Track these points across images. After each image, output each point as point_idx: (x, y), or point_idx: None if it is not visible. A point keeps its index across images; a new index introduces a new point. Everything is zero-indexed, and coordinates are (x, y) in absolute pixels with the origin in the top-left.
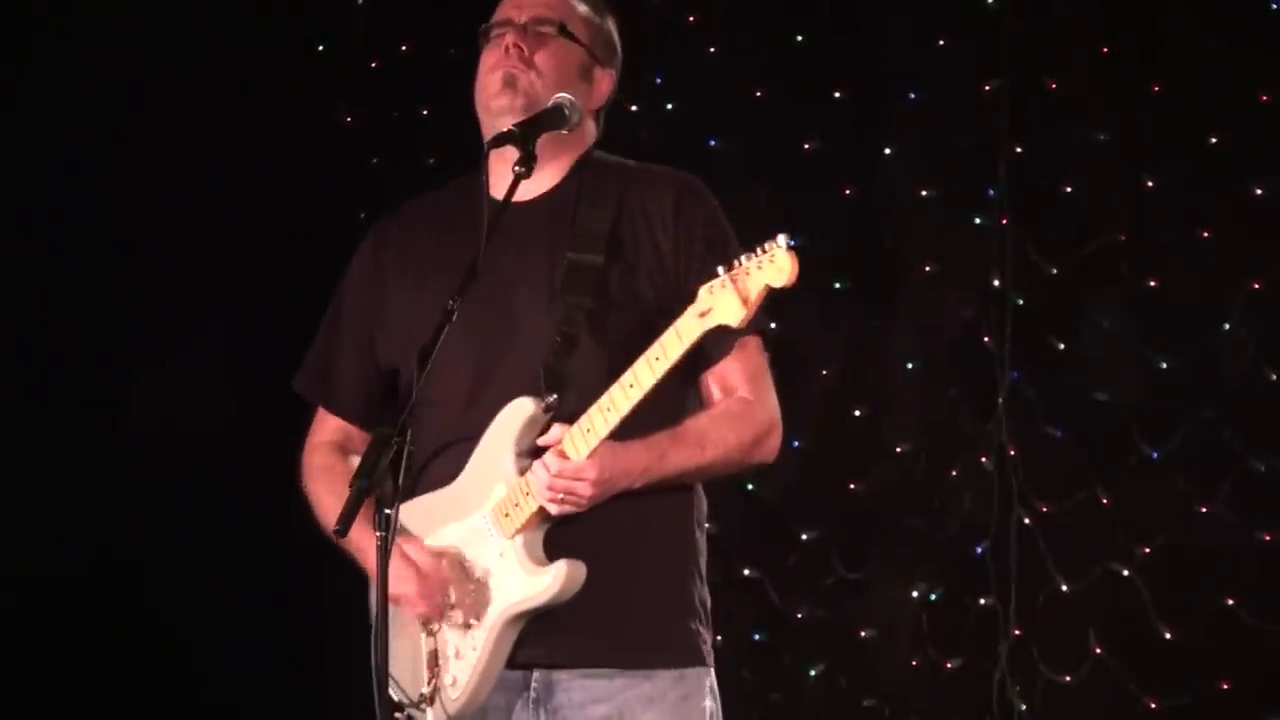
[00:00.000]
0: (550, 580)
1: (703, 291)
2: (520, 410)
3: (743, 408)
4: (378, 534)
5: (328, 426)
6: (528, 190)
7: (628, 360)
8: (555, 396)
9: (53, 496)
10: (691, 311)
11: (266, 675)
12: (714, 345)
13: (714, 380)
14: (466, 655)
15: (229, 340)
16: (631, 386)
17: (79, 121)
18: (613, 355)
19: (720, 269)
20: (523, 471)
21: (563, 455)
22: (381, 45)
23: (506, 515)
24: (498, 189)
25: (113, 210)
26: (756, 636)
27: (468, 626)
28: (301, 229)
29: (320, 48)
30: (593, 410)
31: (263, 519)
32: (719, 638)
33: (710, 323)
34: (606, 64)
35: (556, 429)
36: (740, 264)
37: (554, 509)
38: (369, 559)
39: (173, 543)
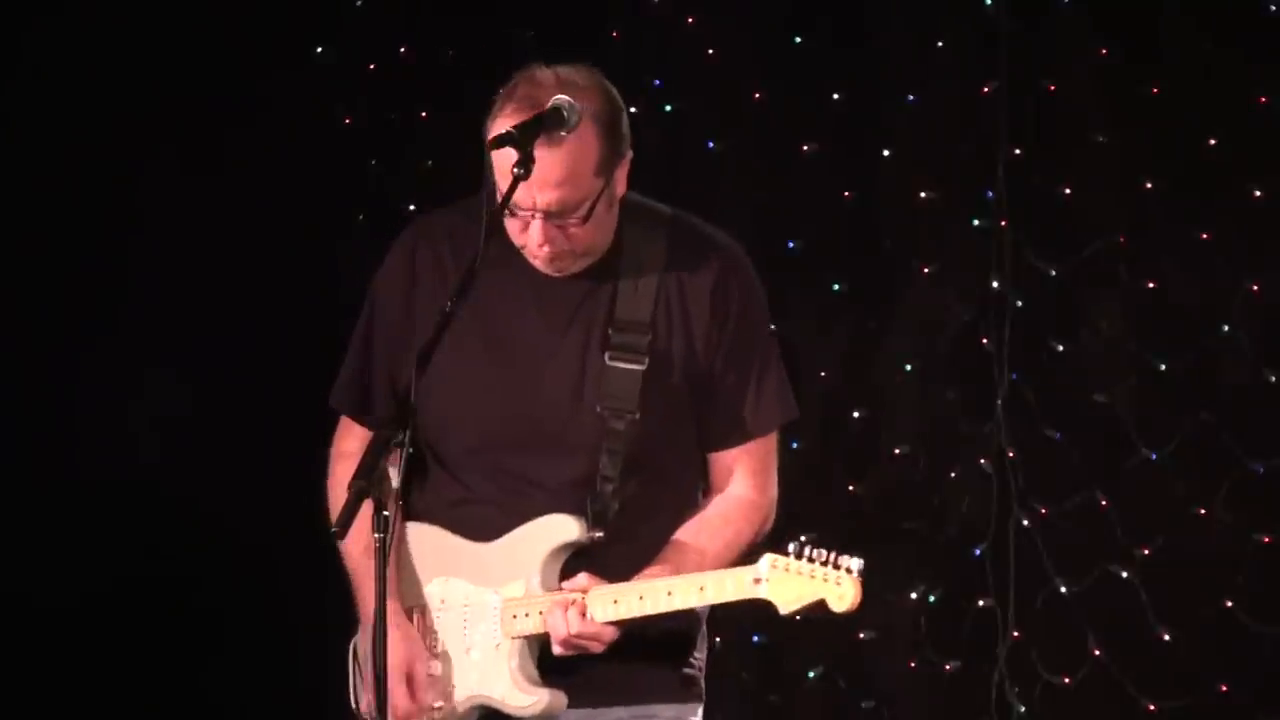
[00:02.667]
0: (531, 703)
1: (765, 561)
2: (565, 529)
3: (744, 514)
4: (375, 535)
5: (354, 434)
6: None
7: (667, 474)
8: (600, 535)
9: (49, 499)
10: (748, 574)
11: (267, 679)
12: (729, 430)
13: (721, 464)
14: (432, 710)
15: (229, 340)
16: (670, 595)
17: (77, 122)
18: (654, 471)
19: (791, 548)
20: (546, 588)
21: (583, 615)
22: (380, 48)
23: (514, 616)
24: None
25: (112, 211)
26: (756, 638)
27: (442, 685)
28: (300, 230)
29: (319, 50)
30: (628, 590)
31: (265, 517)
32: (717, 639)
33: (760, 594)
34: (623, 154)
35: (583, 578)
36: (811, 560)
37: (558, 650)
38: (364, 602)
39: (175, 543)
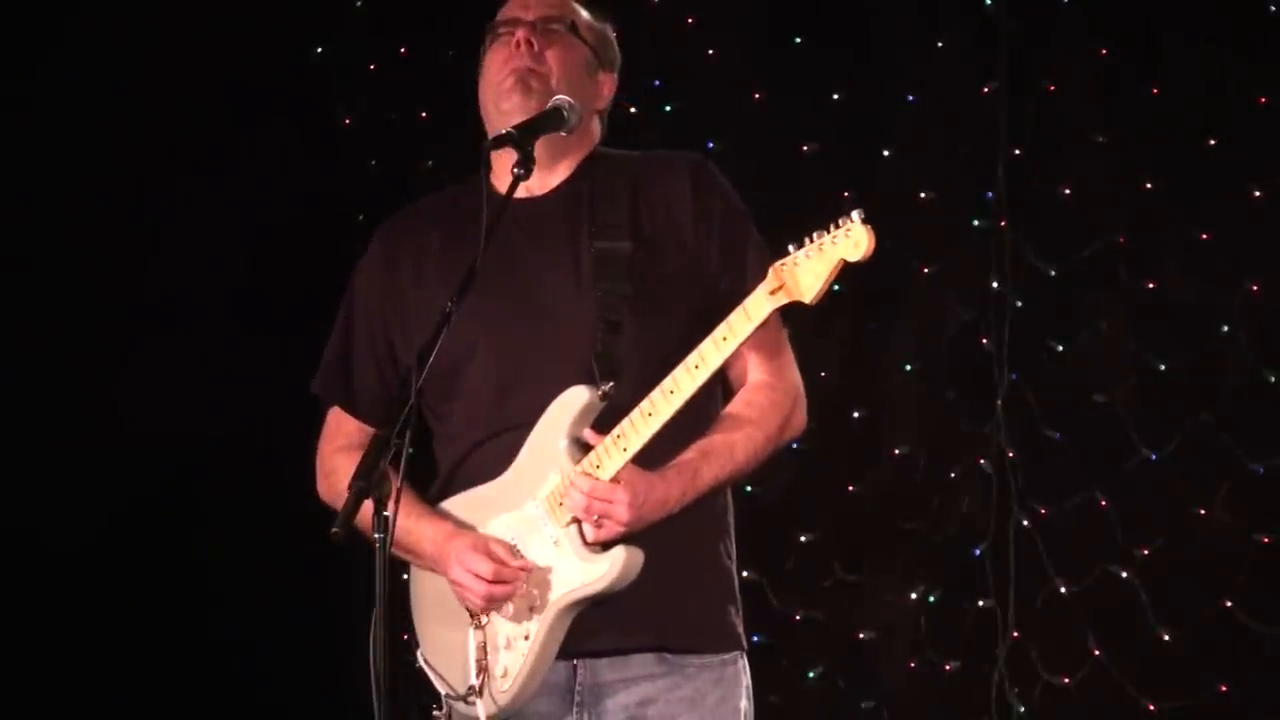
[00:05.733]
0: (608, 567)
1: (772, 270)
2: (576, 398)
3: (765, 396)
4: (375, 535)
5: (344, 430)
6: (540, 186)
7: (674, 341)
8: (612, 384)
9: (58, 494)
10: (762, 290)
11: (288, 670)
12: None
13: (733, 360)
14: (517, 645)
15: (229, 341)
16: (697, 368)
17: (76, 122)
18: (659, 338)
19: (791, 247)
20: (577, 460)
21: (591, 477)
22: (380, 48)
23: (560, 504)
24: (501, 188)
25: (112, 211)
26: (756, 638)
27: (520, 616)
28: (301, 231)
29: (319, 50)
30: (655, 395)
31: (263, 516)
32: None
33: (782, 300)
34: (609, 67)
35: (588, 434)
36: (812, 240)
37: (591, 534)
38: (416, 543)
39: (173, 543)
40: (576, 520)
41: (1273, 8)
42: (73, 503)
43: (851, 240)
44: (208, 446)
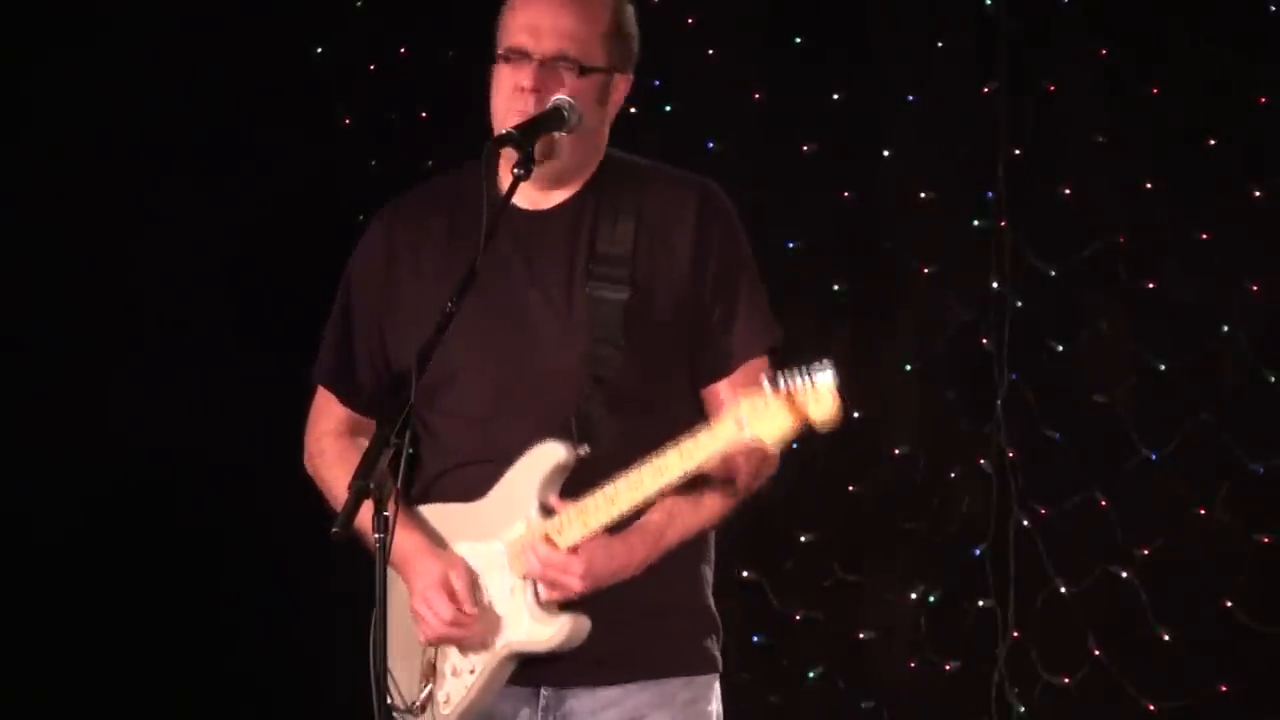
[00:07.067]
0: (554, 632)
1: (745, 403)
2: (552, 454)
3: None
4: (375, 535)
5: (333, 415)
6: (544, 198)
7: (659, 393)
8: (587, 448)
9: (51, 493)
10: (730, 418)
11: (274, 667)
12: (720, 360)
13: (714, 402)
14: (463, 676)
15: (229, 341)
16: (662, 473)
17: (75, 123)
18: (644, 393)
19: (766, 384)
20: (544, 518)
21: (550, 542)
22: (380, 48)
23: (521, 553)
24: (505, 188)
25: (111, 212)
26: (755, 638)
27: (469, 648)
28: (300, 231)
29: (319, 50)
30: (594, 496)
31: (263, 515)
32: None
33: (746, 436)
34: (625, 69)
35: (554, 500)
36: (784, 386)
37: (544, 595)
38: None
39: (173, 539)
40: (534, 575)
41: (1273, 8)
42: (66, 502)
43: (820, 405)
44: (206, 446)
